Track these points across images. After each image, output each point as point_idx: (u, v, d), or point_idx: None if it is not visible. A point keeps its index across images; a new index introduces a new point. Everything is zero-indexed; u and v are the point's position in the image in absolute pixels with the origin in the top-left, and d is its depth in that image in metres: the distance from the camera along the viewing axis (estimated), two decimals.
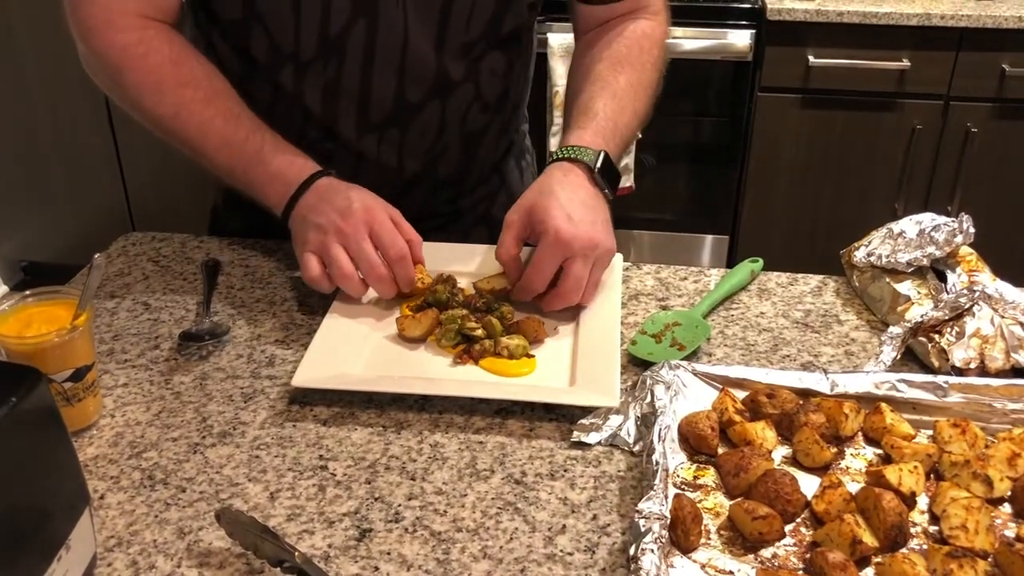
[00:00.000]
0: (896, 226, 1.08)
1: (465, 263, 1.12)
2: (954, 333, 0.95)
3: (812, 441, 0.82)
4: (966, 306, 0.95)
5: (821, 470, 0.82)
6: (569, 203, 0.99)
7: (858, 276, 1.10)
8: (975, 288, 0.97)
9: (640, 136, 2.43)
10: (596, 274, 1.01)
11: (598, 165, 1.05)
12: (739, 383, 0.91)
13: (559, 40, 2.40)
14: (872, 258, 1.07)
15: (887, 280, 1.05)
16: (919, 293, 1.03)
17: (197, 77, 1.08)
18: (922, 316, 0.96)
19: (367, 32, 1.07)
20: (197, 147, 1.08)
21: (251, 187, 1.08)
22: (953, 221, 1.05)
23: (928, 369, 0.95)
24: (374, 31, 1.07)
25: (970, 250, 1.05)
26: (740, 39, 2.47)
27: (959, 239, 1.04)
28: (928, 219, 1.07)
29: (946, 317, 0.95)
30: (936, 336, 0.95)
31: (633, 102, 1.13)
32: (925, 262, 1.04)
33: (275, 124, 1.10)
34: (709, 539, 0.76)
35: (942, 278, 1.04)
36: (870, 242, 1.10)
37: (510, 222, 1.02)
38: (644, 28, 1.19)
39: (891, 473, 0.78)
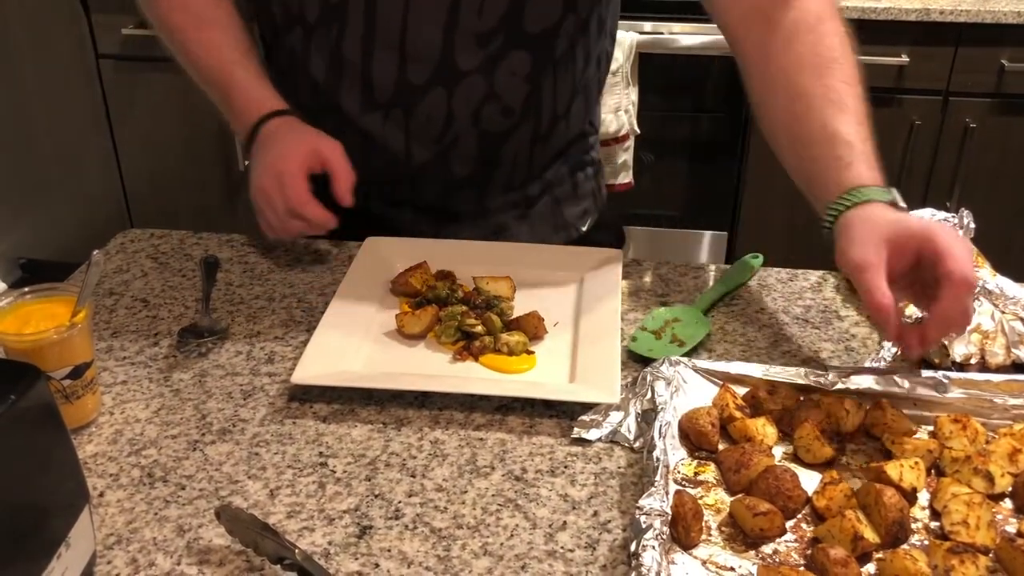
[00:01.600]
0: None
1: (465, 259, 1.12)
2: None
3: (813, 437, 0.82)
4: None
5: (822, 466, 0.82)
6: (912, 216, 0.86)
7: None
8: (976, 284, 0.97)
9: (639, 132, 2.43)
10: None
11: (900, 203, 0.88)
12: (739, 379, 0.91)
13: None
14: None
15: None
16: None
17: (197, 4, 1.14)
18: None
19: (366, 4, 1.07)
20: (190, 72, 1.15)
21: (227, 119, 1.14)
22: (953, 217, 1.05)
23: (928, 365, 0.95)
24: (373, 4, 1.07)
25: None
26: None
27: (960, 235, 1.03)
28: (928, 214, 1.07)
29: None
30: None
31: (855, 100, 0.95)
32: None
33: (291, 94, 1.14)
34: (710, 535, 0.75)
35: None
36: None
37: (868, 263, 0.83)
38: (811, 7, 1.00)
39: (892, 469, 0.78)
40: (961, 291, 0.81)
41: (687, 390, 0.90)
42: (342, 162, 1.06)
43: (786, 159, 0.99)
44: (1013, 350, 0.93)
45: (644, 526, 0.71)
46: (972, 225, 1.04)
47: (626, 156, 2.46)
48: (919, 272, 0.85)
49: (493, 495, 0.81)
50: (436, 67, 1.09)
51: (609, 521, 0.78)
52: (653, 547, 0.69)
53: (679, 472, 0.82)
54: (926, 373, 0.89)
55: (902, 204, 0.88)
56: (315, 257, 1.19)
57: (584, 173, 1.30)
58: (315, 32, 1.11)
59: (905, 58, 2.39)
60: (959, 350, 0.93)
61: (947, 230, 0.84)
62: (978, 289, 0.95)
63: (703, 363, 0.92)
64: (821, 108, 0.94)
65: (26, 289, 0.88)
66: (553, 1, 1.08)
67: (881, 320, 0.83)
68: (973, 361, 0.93)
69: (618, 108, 2.38)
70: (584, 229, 1.30)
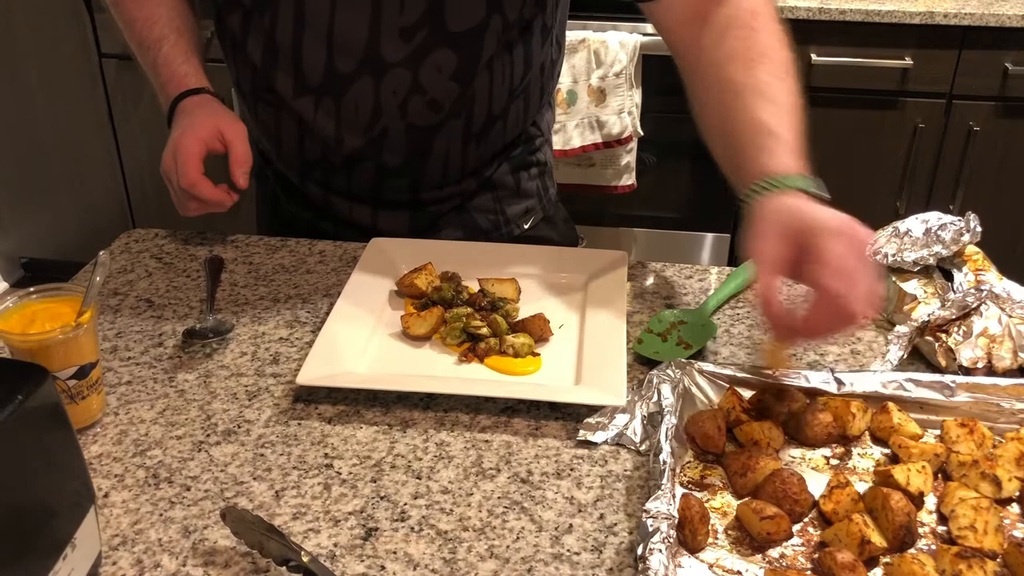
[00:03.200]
0: (902, 225, 1.08)
1: (470, 261, 1.12)
2: (961, 332, 0.94)
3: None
4: (973, 305, 0.95)
5: (829, 469, 0.82)
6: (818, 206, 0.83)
7: None
8: (982, 287, 0.97)
9: (642, 133, 2.43)
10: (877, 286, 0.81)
11: (821, 192, 0.86)
12: (745, 382, 0.90)
13: None
14: (878, 257, 1.07)
15: (893, 279, 1.05)
16: (926, 292, 1.02)
17: None
18: (929, 315, 0.96)
19: None
20: (128, 43, 1.18)
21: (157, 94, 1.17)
22: (960, 220, 1.04)
23: (935, 368, 0.95)
24: None
25: (976, 249, 1.05)
26: None
27: (966, 238, 1.03)
28: (935, 218, 1.07)
29: (953, 316, 0.95)
30: (943, 335, 0.95)
31: (785, 93, 0.95)
32: (931, 261, 1.04)
33: (235, 74, 1.20)
34: (716, 539, 0.75)
35: (948, 277, 1.04)
36: (876, 241, 1.09)
37: (762, 258, 0.83)
38: (745, 4, 1.01)
39: (899, 473, 0.78)
40: (829, 305, 0.79)
41: (693, 393, 0.90)
42: (241, 144, 1.08)
43: (715, 149, 0.99)
44: (1020, 354, 0.93)
45: (651, 529, 0.71)
46: (979, 229, 1.04)
47: (629, 158, 2.46)
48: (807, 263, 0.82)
49: (499, 497, 0.81)
50: (363, 57, 1.10)
51: (615, 524, 0.78)
52: (660, 550, 0.69)
53: (685, 475, 0.82)
54: (933, 377, 0.89)
55: (824, 194, 0.85)
56: (320, 258, 1.19)
57: (528, 172, 1.31)
58: (251, 16, 1.13)
59: (909, 61, 2.38)
60: (966, 354, 0.93)
61: (839, 232, 0.79)
62: (984, 293, 0.95)
63: (709, 366, 0.92)
64: (749, 98, 0.95)
65: (31, 289, 0.88)
66: (475, 1, 1.08)
67: (765, 315, 0.83)
68: (980, 365, 0.93)
69: (621, 110, 2.38)
70: (526, 227, 1.31)
